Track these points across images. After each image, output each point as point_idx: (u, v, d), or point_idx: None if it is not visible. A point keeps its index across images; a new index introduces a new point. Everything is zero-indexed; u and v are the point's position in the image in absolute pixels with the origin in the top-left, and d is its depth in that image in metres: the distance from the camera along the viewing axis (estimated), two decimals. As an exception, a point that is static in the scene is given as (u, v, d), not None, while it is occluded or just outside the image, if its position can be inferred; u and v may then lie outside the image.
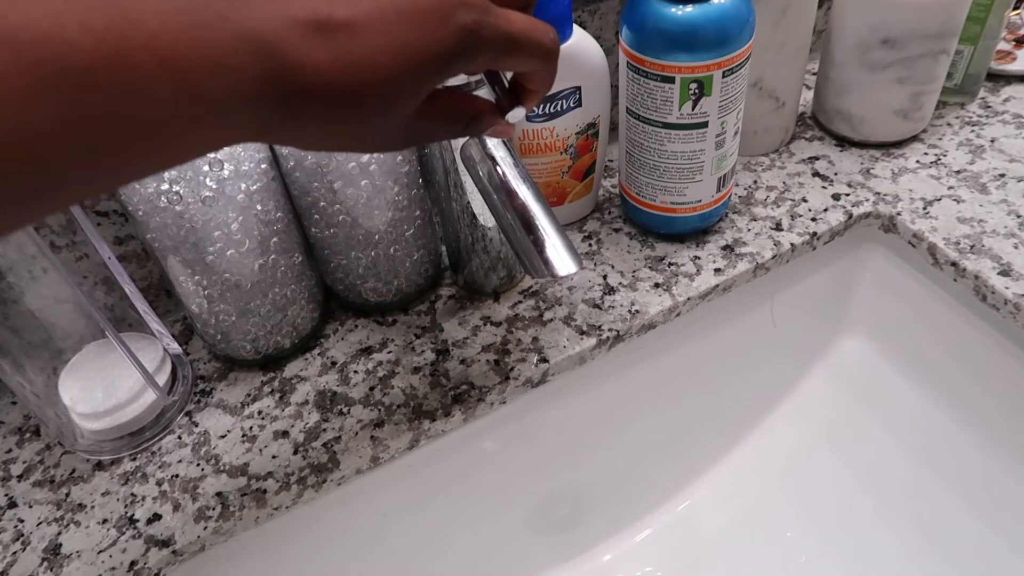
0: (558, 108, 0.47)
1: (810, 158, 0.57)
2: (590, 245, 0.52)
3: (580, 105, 0.47)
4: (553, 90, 0.46)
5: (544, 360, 0.46)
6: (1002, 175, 0.54)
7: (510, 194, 0.39)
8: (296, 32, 0.22)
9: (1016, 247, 0.49)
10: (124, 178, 0.21)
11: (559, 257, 0.37)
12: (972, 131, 0.58)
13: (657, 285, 0.49)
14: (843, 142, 0.58)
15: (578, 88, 0.47)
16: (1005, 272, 0.47)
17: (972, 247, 0.49)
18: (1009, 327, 0.47)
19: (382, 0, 0.24)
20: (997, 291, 0.46)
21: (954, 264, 0.49)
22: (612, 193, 0.56)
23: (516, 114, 0.34)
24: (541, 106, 0.47)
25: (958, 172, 0.54)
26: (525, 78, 0.31)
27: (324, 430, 0.44)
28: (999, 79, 0.62)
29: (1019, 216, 0.51)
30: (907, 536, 0.53)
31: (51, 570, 0.39)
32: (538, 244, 0.37)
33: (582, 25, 0.54)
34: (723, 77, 0.43)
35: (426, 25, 0.24)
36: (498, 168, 0.40)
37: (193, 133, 0.21)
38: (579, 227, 0.54)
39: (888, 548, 0.53)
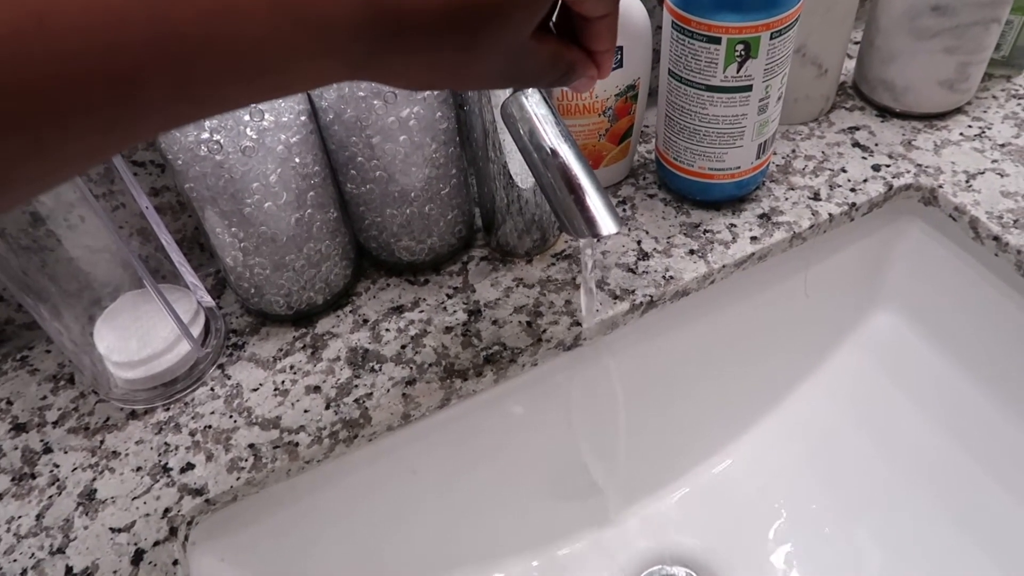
0: (599, 68, 0.46)
1: (850, 128, 0.56)
2: (624, 210, 0.52)
3: (621, 66, 0.47)
4: (594, 49, 0.45)
5: (577, 323, 0.45)
6: (1048, 150, 0.53)
7: (552, 152, 0.38)
8: None
9: (1061, 223, 0.48)
10: (211, 108, 0.20)
11: (601, 216, 0.37)
12: (1019, 104, 0.56)
13: (692, 252, 0.49)
14: (884, 112, 0.57)
15: (620, 48, 0.46)
16: (1049, 248, 0.46)
17: (1016, 221, 0.48)
18: (1050, 304, 0.46)
19: None
20: (1040, 267, 0.46)
21: (996, 238, 0.48)
22: (647, 159, 0.55)
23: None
24: (581, 66, 0.46)
25: (1003, 146, 0.53)
26: (592, 32, 0.30)
27: (356, 386, 0.44)
28: (1047, 52, 0.60)
29: (1065, 192, 0.50)
30: (935, 513, 0.53)
31: (86, 514, 0.40)
32: (580, 203, 0.37)
33: (623, -15, 0.53)
34: (771, 39, 0.42)
35: None
36: (540, 126, 0.39)
37: (290, 63, 0.20)
38: (613, 192, 0.53)
39: (915, 524, 0.53)
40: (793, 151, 0.55)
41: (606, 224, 0.37)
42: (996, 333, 0.51)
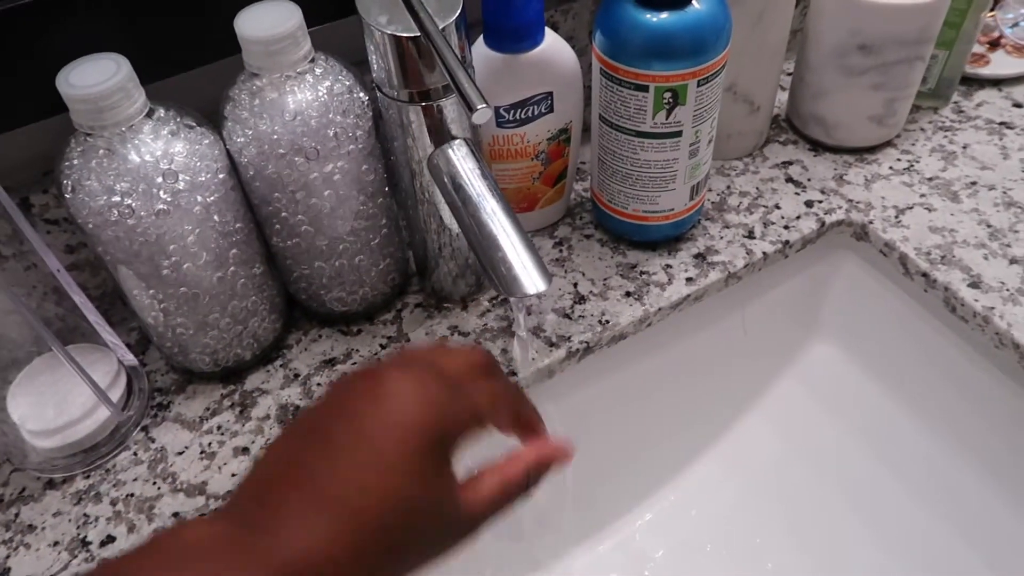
0: (529, 114, 0.45)
1: (784, 163, 0.56)
2: (561, 251, 0.51)
3: (552, 111, 0.46)
4: (524, 96, 0.45)
5: (513, 373, 0.45)
6: (974, 183, 0.54)
7: (478, 208, 0.38)
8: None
9: (986, 258, 0.49)
10: None
11: (528, 275, 0.36)
12: (945, 137, 0.57)
13: (628, 294, 0.48)
14: (817, 146, 0.57)
15: (550, 94, 0.45)
16: (975, 284, 0.47)
17: (943, 258, 0.49)
18: (977, 338, 0.47)
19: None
20: (967, 303, 0.46)
21: (925, 275, 0.48)
22: (584, 197, 0.55)
23: (482, 114, 0.33)
24: (511, 112, 0.45)
25: (930, 179, 0.54)
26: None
27: (286, 446, 0.42)
28: (972, 83, 0.62)
29: (989, 226, 0.51)
30: (874, 541, 0.53)
31: (-1, 596, 0.38)
32: (505, 262, 0.36)
33: (555, 26, 0.52)
34: (698, 86, 0.42)
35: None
36: (466, 180, 0.39)
37: None
38: (550, 233, 0.53)
39: (856, 553, 0.53)
40: (728, 187, 0.55)
41: (533, 282, 0.36)
42: (927, 363, 0.52)
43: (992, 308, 0.46)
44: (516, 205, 0.50)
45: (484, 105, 0.33)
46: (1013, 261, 0.48)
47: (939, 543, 0.51)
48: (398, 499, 0.25)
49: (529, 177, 0.49)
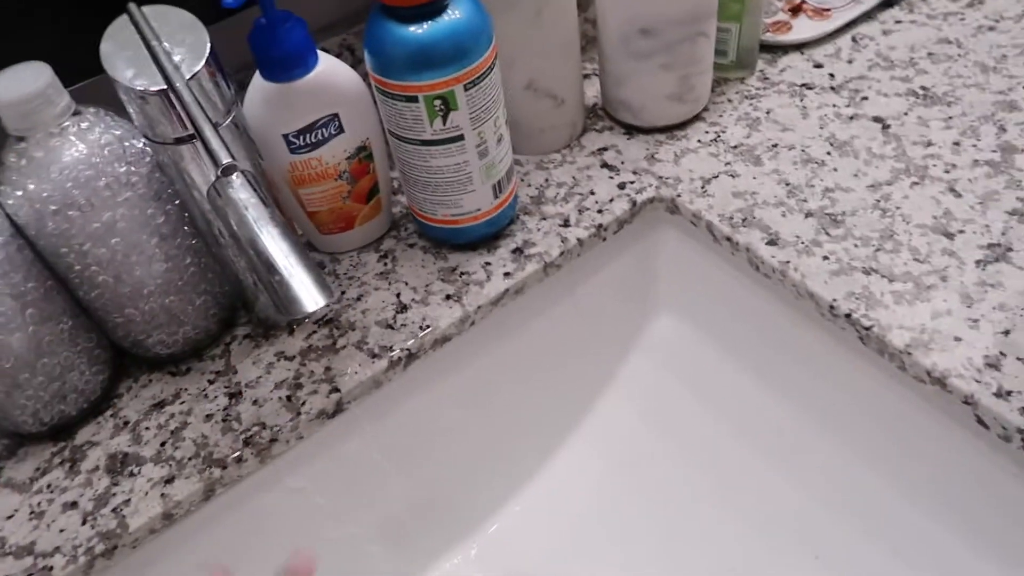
0: (319, 137, 0.47)
1: (599, 149, 0.58)
2: (385, 264, 0.52)
3: (342, 131, 0.47)
4: (309, 120, 0.46)
5: (336, 390, 0.46)
6: (775, 145, 0.56)
7: (251, 236, 0.39)
8: None
9: (784, 215, 0.51)
10: None
11: (306, 292, 0.37)
12: (750, 104, 0.60)
13: (448, 297, 0.50)
14: (630, 129, 0.59)
15: (335, 115, 0.47)
16: (772, 241, 0.49)
17: (744, 220, 0.51)
18: (781, 292, 0.49)
19: None
20: (766, 260, 0.49)
21: (729, 239, 0.51)
22: (408, 210, 0.56)
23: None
24: (300, 137, 0.46)
25: (735, 147, 0.57)
26: None
27: (114, 494, 0.43)
28: (777, 50, 0.64)
29: (788, 184, 0.53)
30: (725, 504, 0.55)
31: None
32: (283, 284, 0.37)
33: (350, 48, 0.54)
34: (466, 90, 0.44)
35: None
36: (241, 212, 0.40)
37: None
38: (375, 247, 0.54)
39: (711, 523, 0.55)
40: (546, 180, 0.57)
41: (312, 299, 0.37)
42: (749, 323, 0.54)
43: (787, 262, 0.48)
44: (333, 226, 0.52)
45: (230, 159, 0.35)
46: (808, 215, 0.51)
47: (787, 501, 0.53)
48: None
49: (338, 197, 0.50)
